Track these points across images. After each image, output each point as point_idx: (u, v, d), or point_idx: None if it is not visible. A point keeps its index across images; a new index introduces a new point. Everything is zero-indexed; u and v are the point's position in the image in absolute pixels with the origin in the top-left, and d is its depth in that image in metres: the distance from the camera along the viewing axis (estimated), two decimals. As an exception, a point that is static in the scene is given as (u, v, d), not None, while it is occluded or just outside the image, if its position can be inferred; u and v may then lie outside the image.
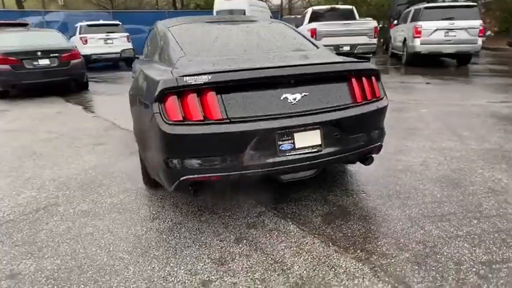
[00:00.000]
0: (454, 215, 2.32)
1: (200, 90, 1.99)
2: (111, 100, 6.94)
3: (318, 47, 2.84)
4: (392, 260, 1.90)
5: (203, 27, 3.03)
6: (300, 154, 2.12)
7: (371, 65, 2.41)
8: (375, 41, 9.78)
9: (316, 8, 11.70)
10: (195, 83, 1.97)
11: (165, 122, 1.98)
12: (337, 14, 11.01)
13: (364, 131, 2.35)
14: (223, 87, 2.02)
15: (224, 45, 2.69)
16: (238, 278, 1.81)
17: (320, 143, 2.17)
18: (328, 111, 2.18)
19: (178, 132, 1.97)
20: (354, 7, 11.32)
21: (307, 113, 2.12)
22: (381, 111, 2.41)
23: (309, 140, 2.14)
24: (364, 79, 2.34)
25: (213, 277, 1.82)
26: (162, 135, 2.00)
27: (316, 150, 2.16)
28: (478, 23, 9.37)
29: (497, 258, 1.87)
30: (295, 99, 2.11)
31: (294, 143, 2.11)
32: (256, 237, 2.16)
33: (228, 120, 2.00)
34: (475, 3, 9.81)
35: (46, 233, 2.28)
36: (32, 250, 2.10)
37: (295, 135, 2.11)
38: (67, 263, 1.97)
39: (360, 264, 1.87)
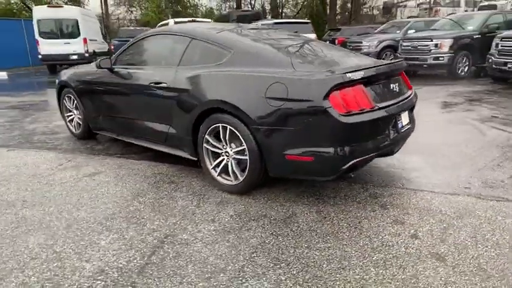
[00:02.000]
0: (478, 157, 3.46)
1: (353, 84, 2.33)
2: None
3: (343, 50, 3.48)
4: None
5: (250, 33, 3.17)
6: (404, 131, 2.74)
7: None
8: None
9: (178, 19, 11.88)
10: (355, 78, 2.30)
11: (339, 114, 2.22)
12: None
13: (413, 111, 3.16)
14: (366, 81, 2.41)
15: (299, 48, 2.95)
16: (428, 225, 2.28)
17: (408, 121, 2.84)
18: (407, 97, 2.87)
19: (351, 121, 2.25)
20: (211, 20, 12.17)
21: (403, 98, 2.75)
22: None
23: (405, 119, 2.78)
24: (404, 73, 3.15)
25: (412, 231, 2.23)
26: (337, 127, 2.23)
27: (408, 127, 2.82)
28: (314, 35, 11.89)
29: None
30: (395, 88, 2.71)
31: (402, 122, 2.71)
32: (388, 202, 2.63)
33: (378, 108, 2.41)
34: (309, 21, 12.43)
35: (221, 256, 2.03)
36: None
37: (402, 115, 2.71)
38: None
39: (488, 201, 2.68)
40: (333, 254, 2.04)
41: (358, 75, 2.32)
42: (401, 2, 22.19)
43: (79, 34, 13.70)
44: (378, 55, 11.86)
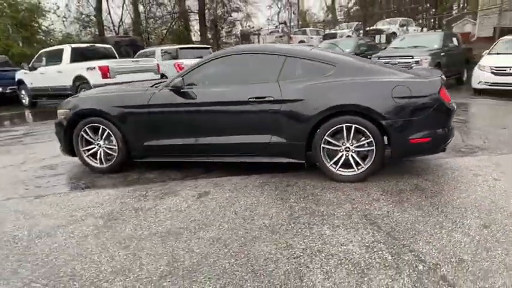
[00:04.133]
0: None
1: (443, 84, 3.33)
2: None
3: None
4: None
5: (333, 52, 3.83)
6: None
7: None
8: (158, 76, 10.67)
9: (75, 45, 10.58)
10: (444, 79, 3.31)
11: (447, 103, 3.18)
12: (97, 52, 10.76)
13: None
14: (439, 82, 3.45)
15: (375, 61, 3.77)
16: None
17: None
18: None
19: (451, 108, 3.24)
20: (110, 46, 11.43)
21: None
22: None
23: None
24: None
25: None
26: (447, 113, 3.20)
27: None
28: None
29: None
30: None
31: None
32: (468, 165, 3.72)
33: (452, 101, 3.47)
34: (210, 46, 13.10)
35: (430, 214, 2.63)
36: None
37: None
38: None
39: None
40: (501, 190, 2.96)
41: (444, 78, 3.35)
42: (257, 30, 25.42)
43: None
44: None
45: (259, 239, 2.46)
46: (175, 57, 11.85)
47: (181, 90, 3.64)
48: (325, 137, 3.33)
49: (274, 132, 3.46)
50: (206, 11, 22.87)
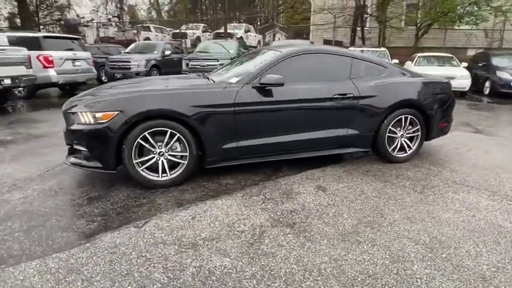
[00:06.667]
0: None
1: (442, 84, 4.60)
2: None
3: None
4: None
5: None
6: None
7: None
8: (31, 71, 8.22)
9: None
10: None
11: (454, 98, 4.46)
12: None
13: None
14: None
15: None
16: (477, 142, 5.00)
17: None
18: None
19: (455, 101, 4.54)
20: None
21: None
22: None
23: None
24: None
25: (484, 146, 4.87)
26: (454, 104, 4.48)
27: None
28: (88, 54, 10.79)
29: None
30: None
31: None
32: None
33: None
34: (79, 37, 10.86)
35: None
36: None
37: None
38: None
39: None
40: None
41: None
42: (87, 21, 22.25)
43: None
44: (148, 74, 12.65)
45: (427, 211, 2.95)
46: (37, 48, 9.46)
47: (266, 88, 3.52)
48: (390, 126, 4.02)
49: (350, 125, 3.89)
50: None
